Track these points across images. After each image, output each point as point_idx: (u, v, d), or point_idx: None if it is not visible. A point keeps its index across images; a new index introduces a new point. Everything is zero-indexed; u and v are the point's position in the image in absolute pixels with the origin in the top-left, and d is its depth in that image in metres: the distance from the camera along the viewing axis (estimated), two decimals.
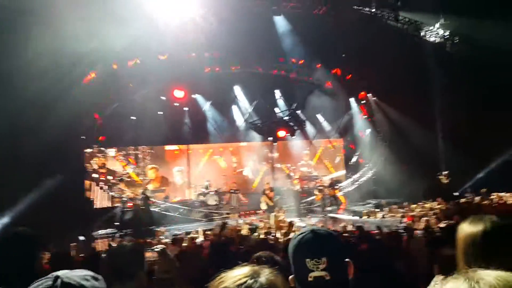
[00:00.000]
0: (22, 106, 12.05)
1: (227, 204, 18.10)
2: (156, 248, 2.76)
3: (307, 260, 1.50)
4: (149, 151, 19.13)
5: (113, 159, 18.24)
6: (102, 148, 17.93)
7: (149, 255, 2.53)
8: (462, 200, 12.64)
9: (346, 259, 1.57)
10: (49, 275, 1.34)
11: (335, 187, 17.81)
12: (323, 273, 1.48)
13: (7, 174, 11.50)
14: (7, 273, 2.15)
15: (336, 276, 1.49)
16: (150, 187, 18.30)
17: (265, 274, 1.12)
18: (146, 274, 2.47)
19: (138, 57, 16.38)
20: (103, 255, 6.53)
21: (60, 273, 1.34)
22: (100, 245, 9.70)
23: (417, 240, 5.93)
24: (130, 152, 18.79)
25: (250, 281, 1.09)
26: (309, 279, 1.49)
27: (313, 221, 12.17)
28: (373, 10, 18.93)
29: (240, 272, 1.13)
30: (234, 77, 19.72)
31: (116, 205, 16.64)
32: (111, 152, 18.28)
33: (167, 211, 16.99)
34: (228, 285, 1.09)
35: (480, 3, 15.60)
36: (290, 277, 1.57)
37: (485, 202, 11.60)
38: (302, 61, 19.63)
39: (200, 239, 10.21)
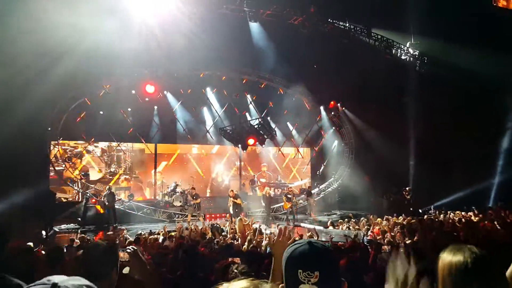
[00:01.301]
0: None
1: (191, 206, 17.94)
2: (128, 249, 2.73)
3: (300, 271, 1.49)
4: (130, 153, 19.32)
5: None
6: (89, 147, 17.63)
7: (121, 255, 2.50)
8: (426, 217, 13.06)
9: (342, 279, 1.56)
10: (45, 280, 1.32)
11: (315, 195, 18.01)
12: (313, 287, 1.47)
13: None
14: None
15: None
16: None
17: (267, 287, 1.11)
18: (118, 274, 2.45)
19: (111, 51, 16.02)
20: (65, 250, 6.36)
21: (58, 279, 1.32)
22: (62, 240, 9.42)
23: (385, 255, 6.02)
24: (113, 153, 18.86)
25: None
26: None
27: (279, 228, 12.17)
28: (347, 24, 19.40)
29: (241, 285, 1.11)
30: (206, 78, 19.66)
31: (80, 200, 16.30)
32: (97, 151, 18.30)
33: (131, 210, 16.69)
34: None
35: (448, 27, 16.41)
36: (280, 285, 1.57)
37: (447, 220, 11.93)
38: (268, 75, 19.90)
39: (161, 238, 10.11)
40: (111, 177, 18.58)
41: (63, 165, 17.15)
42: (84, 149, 18.16)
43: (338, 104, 20.90)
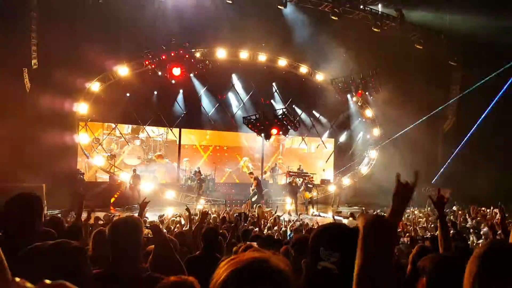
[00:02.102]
0: None
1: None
2: (150, 224, 2.87)
3: (322, 248, 1.54)
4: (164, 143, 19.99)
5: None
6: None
7: (145, 232, 2.61)
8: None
9: None
10: None
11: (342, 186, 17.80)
12: (332, 266, 1.50)
13: None
14: (10, 229, 2.40)
15: (344, 274, 1.46)
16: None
17: (274, 259, 1.16)
18: (143, 250, 2.56)
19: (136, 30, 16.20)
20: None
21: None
22: (88, 218, 9.77)
23: (403, 246, 6.02)
24: (150, 143, 19.64)
25: (264, 264, 1.11)
26: (318, 267, 1.53)
27: (300, 218, 12.26)
28: (379, 10, 18.53)
29: (253, 255, 1.16)
30: (233, 64, 19.69)
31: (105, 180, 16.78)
32: (137, 141, 19.29)
33: (155, 192, 17.02)
34: (242, 265, 1.11)
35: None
36: (303, 260, 1.64)
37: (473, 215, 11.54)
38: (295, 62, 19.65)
39: (183, 221, 10.34)
40: (148, 163, 19.10)
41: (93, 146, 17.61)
42: (127, 140, 19.00)
43: (366, 93, 20.33)
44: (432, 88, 18.50)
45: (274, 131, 16.64)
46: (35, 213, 2.54)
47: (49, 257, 1.51)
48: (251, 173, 17.57)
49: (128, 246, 2.37)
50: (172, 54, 16.58)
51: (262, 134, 17.23)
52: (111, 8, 14.15)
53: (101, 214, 11.28)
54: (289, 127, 17.01)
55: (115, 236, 2.41)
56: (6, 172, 11.44)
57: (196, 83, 19.46)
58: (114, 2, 14.32)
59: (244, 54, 19.49)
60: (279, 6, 16.69)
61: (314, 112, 21.69)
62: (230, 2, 15.78)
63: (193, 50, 17.46)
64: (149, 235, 3.20)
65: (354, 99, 20.98)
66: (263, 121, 16.80)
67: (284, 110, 17.25)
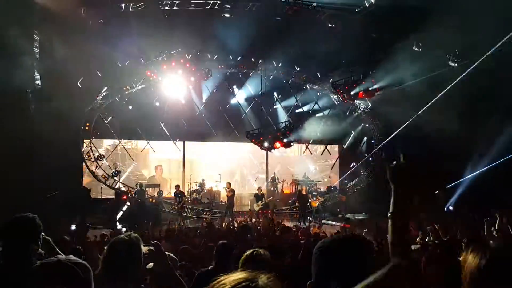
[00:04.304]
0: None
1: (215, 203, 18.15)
2: (151, 243, 2.83)
3: (334, 283, 1.40)
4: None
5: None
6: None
7: (144, 249, 2.56)
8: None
9: None
10: (53, 258, 1.64)
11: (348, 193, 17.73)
12: None
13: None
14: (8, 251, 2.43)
15: None
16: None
17: (264, 279, 1.12)
18: (142, 269, 2.53)
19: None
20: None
21: (61, 258, 1.64)
22: (93, 236, 9.77)
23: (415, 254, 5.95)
24: (117, 153, 19.40)
25: (252, 285, 1.08)
26: None
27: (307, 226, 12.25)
28: None
29: (239, 276, 1.12)
30: (233, 75, 19.78)
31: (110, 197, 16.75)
32: (101, 149, 18.68)
33: (160, 206, 16.98)
34: None
35: None
36: (309, 282, 1.51)
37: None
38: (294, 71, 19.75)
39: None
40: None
41: (96, 163, 17.60)
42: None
43: (369, 89, 20.00)
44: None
45: (277, 144, 16.56)
46: (31, 235, 2.55)
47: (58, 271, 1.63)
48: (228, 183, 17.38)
49: (126, 265, 2.33)
50: (173, 64, 16.72)
51: (265, 146, 17.13)
52: (113, 23, 14.29)
53: (107, 232, 11.28)
54: (291, 140, 16.97)
55: (113, 255, 2.38)
56: (12, 192, 11.46)
57: (197, 95, 19.49)
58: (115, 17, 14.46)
59: (243, 65, 19.48)
60: (276, 18, 16.71)
61: (317, 117, 21.58)
62: (228, 15, 15.82)
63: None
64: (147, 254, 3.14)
65: (357, 101, 20.81)
66: (265, 135, 16.74)
67: (286, 122, 17.21)
